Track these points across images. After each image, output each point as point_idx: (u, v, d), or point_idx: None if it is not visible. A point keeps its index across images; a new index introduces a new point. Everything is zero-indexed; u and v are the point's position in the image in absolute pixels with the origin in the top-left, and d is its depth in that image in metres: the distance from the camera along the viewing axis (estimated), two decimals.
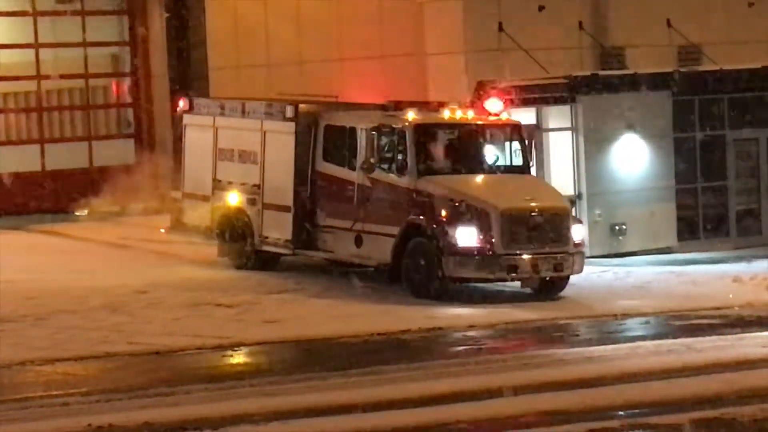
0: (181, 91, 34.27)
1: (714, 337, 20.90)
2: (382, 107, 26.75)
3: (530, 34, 31.27)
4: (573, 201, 28.40)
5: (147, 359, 19.45)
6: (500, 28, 31.22)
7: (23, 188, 35.87)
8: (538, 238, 24.42)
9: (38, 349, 19.85)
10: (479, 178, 25.81)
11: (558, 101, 30.20)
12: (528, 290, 25.29)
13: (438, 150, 25.81)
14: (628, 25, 32.86)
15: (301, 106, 26.81)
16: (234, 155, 28.04)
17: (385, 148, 25.34)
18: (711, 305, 24.24)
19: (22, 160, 36.86)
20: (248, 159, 27.68)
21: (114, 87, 38.69)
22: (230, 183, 27.96)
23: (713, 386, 16.71)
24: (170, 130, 36.80)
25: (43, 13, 36.90)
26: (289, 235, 26.69)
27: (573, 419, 14.93)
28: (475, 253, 24.14)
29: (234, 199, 27.71)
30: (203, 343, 20.37)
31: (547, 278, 24.81)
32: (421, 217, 24.62)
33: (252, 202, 27.39)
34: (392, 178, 25.17)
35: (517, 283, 25.38)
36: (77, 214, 36.36)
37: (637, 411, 15.52)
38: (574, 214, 26.63)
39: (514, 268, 24.31)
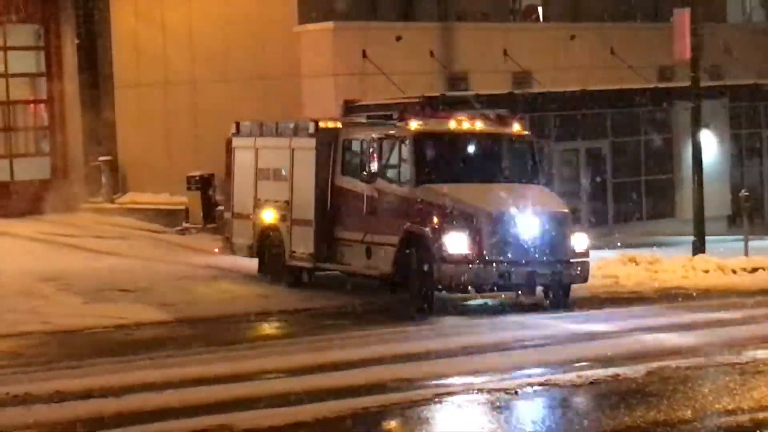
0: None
1: None
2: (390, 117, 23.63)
3: (390, 60, 30.51)
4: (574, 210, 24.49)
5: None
6: (364, 55, 30.45)
7: None
8: (532, 246, 20.29)
9: None
10: (478, 187, 21.35)
11: None
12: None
13: (439, 159, 21.79)
14: (471, 54, 32.49)
15: (321, 122, 23.45)
16: (270, 174, 24.45)
17: (389, 158, 21.70)
18: None
19: None
20: (280, 177, 24.08)
21: (32, 110, 36.98)
22: (266, 201, 24.35)
23: None
24: (81, 150, 35.42)
25: None
26: (312, 249, 23.08)
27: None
28: (466, 260, 20.00)
29: (269, 216, 24.13)
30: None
31: (545, 287, 20.83)
32: (418, 226, 20.69)
33: (283, 218, 23.78)
34: (394, 187, 21.52)
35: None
36: None
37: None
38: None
39: (506, 276, 20.16)
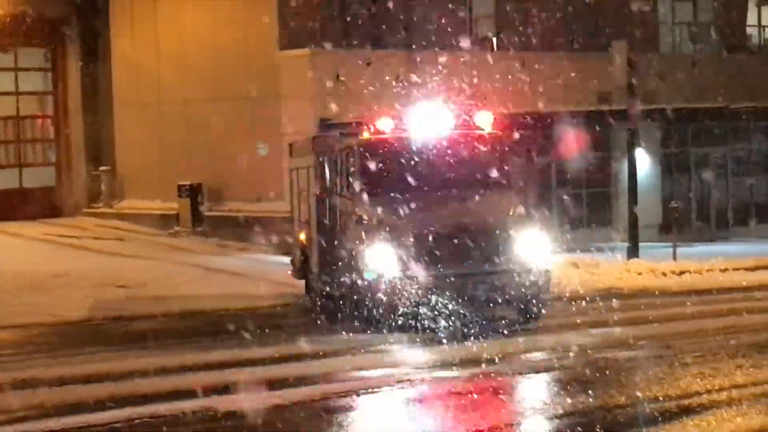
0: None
1: None
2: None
3: (361, 82, 30.05)
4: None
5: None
6: (338, 78, 30.14)
7: None
8: (464, 258, 16.73)
9: None
10: (423, 196, 17.44)
11: None
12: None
13: (387, 169, 17.83)
14: (433, 78, 31.69)
15: (318, 137, 20.41)
16: (301, 194, 21.43)
17: (345, 171, 18.22)
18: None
19: None
20: (306, 196, 20.89)
21: (40, 125, 36.71)
22: (301, 222, 21.34)
23: None
24: (84, 160, 35.47)
25: None
26: (317, 268, 19.80)
27: None
28: (386, 276, 16.63)
29: (303, 236, 21.04)
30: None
31: (483, 300, 16.93)
32: (350, 241, 17.49)
33: (309, 239, 20.37)
34: (344, 201, 18.20)
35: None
36: None
37: None
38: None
39: (433, 291, 16.59)
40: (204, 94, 32.16)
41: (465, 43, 34.32)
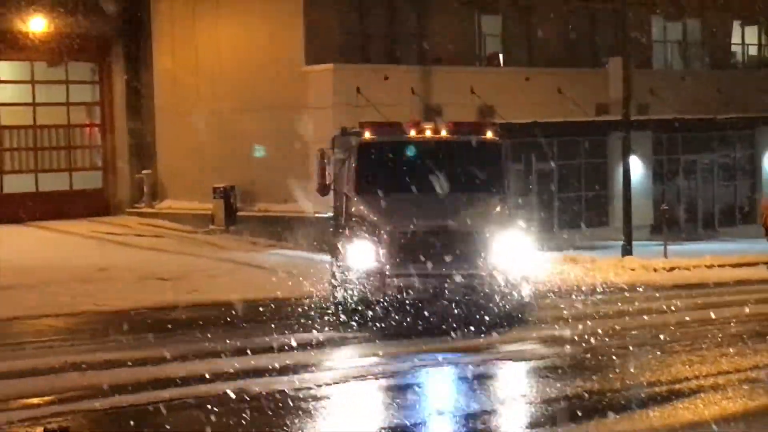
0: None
1: None
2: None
3: (378, 95, 30.00)
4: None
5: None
6: (358, 91, 29.99)
7: (22, 201, 33.66)
8: (437, 260, 15.69)
9: (30, 308, 18.78)
10: (409, 197, 16.46)
11: None
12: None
13: (381, 169, 17.07)
14: (445, 91, 32.23)
15: (336, 137, 19.03)
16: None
17: (345, 171, 17.62)
18: None
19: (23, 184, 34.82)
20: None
21: (88, 132, 36.58)
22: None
23: None
24: (128, 165, 35.47)
25: (39, 81, 34.95)
26: (331, 260, 18.55)
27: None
28: (367, 273, 15.91)
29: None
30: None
31: (456, 302, 15.78)
32: (339, 238, 16.99)
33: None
34: (344, 199, 17.47)
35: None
36: None
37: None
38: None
39: (404, 290, 15.73)
40: (236, 105, 32.06)
41: (474, 59, 34.48)
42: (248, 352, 14.26)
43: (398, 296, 15.81)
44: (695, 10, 39.20)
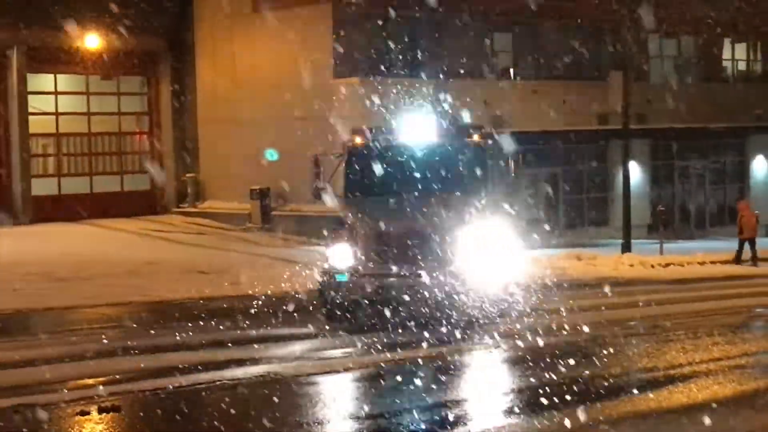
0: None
1: None
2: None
3: (399, 105, 29.62)
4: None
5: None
6: (381, 101, 29.76)
7: (78, 202, 33.79)
8: (407, 260, 14.76)
9: (85, 298, 18.77)
10: (390, 200, 15.55)
11: None
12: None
13: (370, 172, 16.02)
14: (460, 103, 31.05)
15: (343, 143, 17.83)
16: None
17: (341, 173, 16.77)
18: None
19: (79, 186, 34.91)
20: None
21: (137, 140, 36.63)
22: None
23: None
24: (173, 168, 35.48)
25: (93, 93, 35.11)
26: None
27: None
28: (346, 273, 15.12)
29: None
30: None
31: (419, 301, 14.82)
32: (329, 238, 16.00)
33: None
34: (335, 202, 16.56)
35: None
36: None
37: None
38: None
39: (381, 290, 14.89)
40: (270, 114, 32.05)
41: (487, 72, 34.42)
42: (275, 340, 14.18)
43: (366, 296, 15.01)
44: (689, 28, 39.05)
